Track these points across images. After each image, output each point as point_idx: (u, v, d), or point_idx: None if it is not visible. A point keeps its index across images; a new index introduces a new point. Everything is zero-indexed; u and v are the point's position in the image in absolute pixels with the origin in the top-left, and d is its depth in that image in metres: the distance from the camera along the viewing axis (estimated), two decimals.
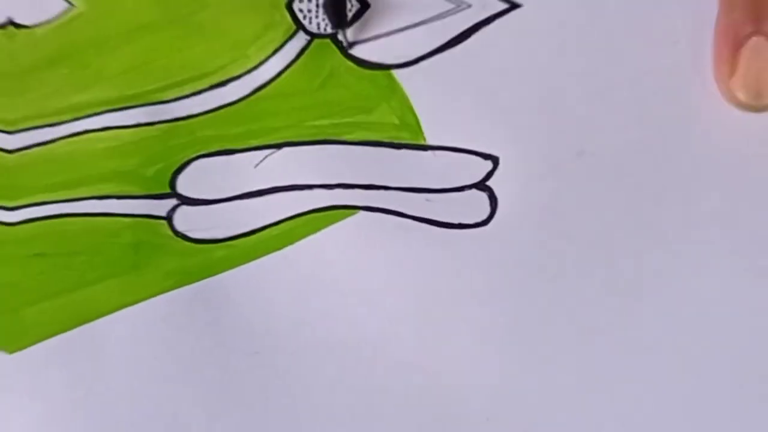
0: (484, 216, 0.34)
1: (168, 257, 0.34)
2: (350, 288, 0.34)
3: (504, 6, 0.34)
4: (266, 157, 0.35)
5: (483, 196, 0.34)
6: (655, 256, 0.33)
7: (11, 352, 0.34)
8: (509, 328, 0.33)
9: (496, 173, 0.34)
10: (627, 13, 0.34)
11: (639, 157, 0.33)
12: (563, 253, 0.33)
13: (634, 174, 0.33)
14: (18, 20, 0.36)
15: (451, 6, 0.35)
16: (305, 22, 0.35)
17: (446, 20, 0.35)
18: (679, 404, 0.32)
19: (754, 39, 0.31)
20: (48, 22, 0.36)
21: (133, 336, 0.34)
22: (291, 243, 0.34)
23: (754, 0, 0.31)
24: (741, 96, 0.32)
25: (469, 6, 0.35)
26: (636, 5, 0.34)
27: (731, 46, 0.32)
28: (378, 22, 0.35)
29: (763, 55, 0.31)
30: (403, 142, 0.35)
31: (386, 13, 0.35)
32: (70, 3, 0.37)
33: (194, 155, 0.35)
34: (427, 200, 0.34)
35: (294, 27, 0.35)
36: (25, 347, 0.34)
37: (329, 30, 0.35)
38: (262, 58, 0.35)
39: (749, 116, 0.32)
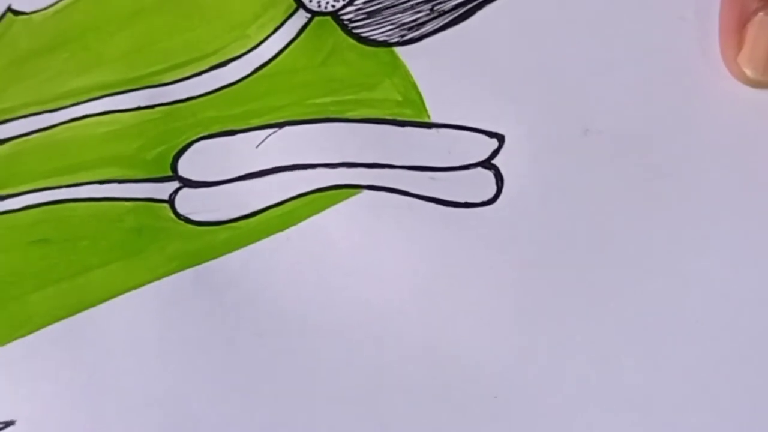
0: (490, 195, 0.33)
1: (171, 240, 0.34)
2: (355, 268, 0.33)
3: None
4: (268, 136, 0.34)
5: (489, 175, 0.33)
6: (661, 233, 0.32)
7: (16, 338, 0.34)
8: (516, 306, 0.32)
9: (502, 151, 0.33)
10: None
11: (644, 135, 0.33)
12: (570, 230, 0.32)
13: (640, 152, 0.33)
14: (16, 7, 0.37)
15: None
16: (305, 0, 0.36)
17: None
18: (690, 382, 0.31)
19: (761, 15, 0.31)
20: (46, 7, 0.36)
21: (136, 319, 0.33)
22: (294, 223, 0.34)
23: None
24: (748, 72, 0.31)
25: None
26: None
27: (737, 21, 0.31)
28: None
29: None
30: (407, 119, 0.34)
31: None
32: None
33: (195, 137, 0.35)
34: (432, 179, 0.33)
35: (294, 5, 0.35)
36: (29, 333, 0.34)
37: (330, 8, 0.35)
38: (263, 37, 0.35)
39: (756, 92, 0.32)
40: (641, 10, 0.33)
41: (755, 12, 0.31)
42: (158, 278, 0.34)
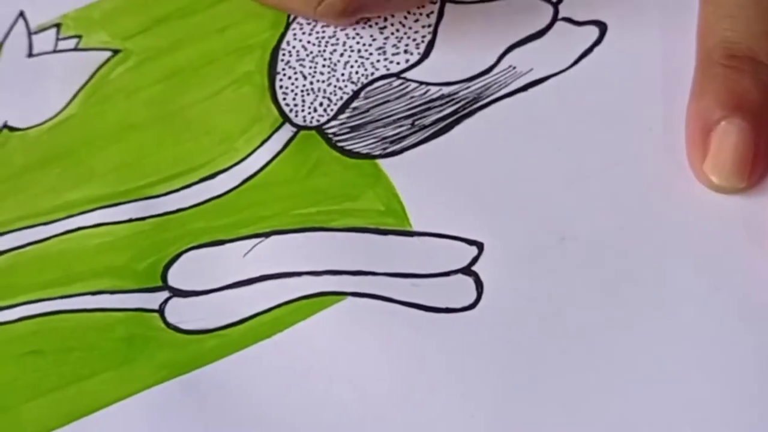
0: (470, 300, 0.33)
1: (160, 349, 0.34)
2: (339, 373, 0.33)
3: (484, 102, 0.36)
4: (255, 246, 0.35)
5: (469, 281, 0.34)
6: (633, 333, 0.32)
7: None
8: (496, 407, 0.32)
9: (482, 258, 0.34)
10: (603, 103, 0.35)
11: (617, 242, 0.33)
12: (547, 335, 0.32)
13: (612, 258, 0.33)
14: (12, 123, 0.39)
15: (434, 97, 0.36)
16: (291, 115, 0.37)
17: (429, 112, 0.36)
18: None
19: (723, 124, 0.32)
20: (40, 123, 0.38)
21: (127, 429, 0.33)
22: (280, 330, 0.34)
23: (723, 87, 0.32)
24: (714, 178, 0.32)
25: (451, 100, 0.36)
26: (611, 95, 0.35)
27: (702, 130, 0.32)
28: (364, 114, 0.37)
29: (732, 139, 0.32)
30: (389, 228, 0.35)
31: (372, 104, 0.37)
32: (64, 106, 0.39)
33: (185, 248, 0.36)
34: (414, 285, 0.34)
35: (280, 119, 0.37)
36: None
37: (315, 122, 0.37)
38: (250, 150, 0.37)
39: (723, 198, 0.33)
40: (612, 123, 0.35)
41: (718, 121, 0.32)
42: (147, 387, 0.34)
